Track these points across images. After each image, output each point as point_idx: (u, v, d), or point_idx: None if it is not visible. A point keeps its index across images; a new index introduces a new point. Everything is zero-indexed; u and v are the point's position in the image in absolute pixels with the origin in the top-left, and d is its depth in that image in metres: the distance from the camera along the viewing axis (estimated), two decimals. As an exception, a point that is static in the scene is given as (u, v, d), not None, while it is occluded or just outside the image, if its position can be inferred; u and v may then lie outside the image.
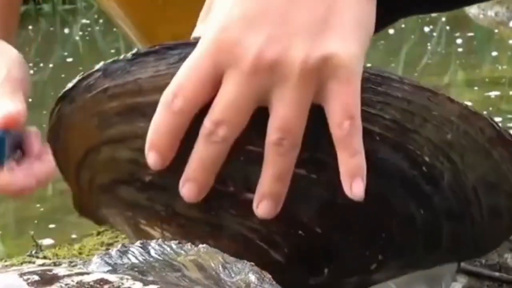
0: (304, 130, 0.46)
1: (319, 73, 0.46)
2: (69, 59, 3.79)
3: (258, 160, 0.47)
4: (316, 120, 0.47)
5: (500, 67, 3.02)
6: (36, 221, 1.29)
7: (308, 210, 0.48)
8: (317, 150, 0.47)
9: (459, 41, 3.59)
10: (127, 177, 0.51)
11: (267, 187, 0.47)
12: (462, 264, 0.89)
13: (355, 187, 0.46)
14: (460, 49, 3.43)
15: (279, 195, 0.47)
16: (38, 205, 1.36)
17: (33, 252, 0.97)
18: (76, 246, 0.99)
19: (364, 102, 0.47)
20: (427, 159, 0.48)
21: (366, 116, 0.47)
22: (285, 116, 0.46)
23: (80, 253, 0.95)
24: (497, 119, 1.81)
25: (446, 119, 0.49)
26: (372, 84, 0.48)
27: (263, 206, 0.47)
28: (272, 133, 0.46)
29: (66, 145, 0.54)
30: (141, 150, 0.48)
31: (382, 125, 0.48)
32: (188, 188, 0.48)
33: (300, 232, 0.49)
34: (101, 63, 0.50)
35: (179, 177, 0.48)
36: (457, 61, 3.22)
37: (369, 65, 0.49)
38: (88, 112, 0.51)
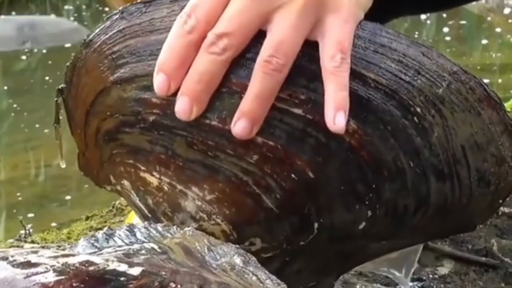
0: (295, 57, 0.47)
1: (322, 6, 0.48)
2: (59, 45, 3.77)
3: None
4: (316, 63, 0.48)
5: (494, 55, 3.03)
6: (25, 206, 1.29)
7: (302, 152, 0.49)
8: (315, 91, 0.48)
9: (448, 28, 3.59)
10: (132, 118, 0.52)
11: (246, 105, 0.47)
12: (449, 249, 0.90)
13: (338, 120, 0.47)
14: (448, 38, 3.44)
15: (257, 116, 0.48)
16: (28, 190, 1.36)
17: (22, 236, 0.98)
18: (65, 231, 0.99)
19: (361, 51, 0.48)
20: (419, 110, 0.49)
21: (362, 64, 0.48)
22: (281, 36, 0.47)
23: (68, 238, 0.95)
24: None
25: (439, 75, 0.50)
26: (370, 34, 0.49)
27: (239, 124, 0.48)
28: (265, 50, 0.47)
29: (78, 92, 0.56)
30: (148, 88, 0.50)
31: (377, 73, 0.49)
32: (181, 102, 0.48)
33: (293, 175, 0.49)
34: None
35: None
36: (447, 49, 3.22)
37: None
38: (102, 54, 0.53)
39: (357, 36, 0.49)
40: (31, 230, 1.00)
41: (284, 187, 0.49)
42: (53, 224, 1.08)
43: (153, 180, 0.52)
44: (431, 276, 0.84)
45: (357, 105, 0.48)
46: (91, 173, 0.60)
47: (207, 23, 0.48)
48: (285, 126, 0.48)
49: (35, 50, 3.44)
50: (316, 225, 0.51)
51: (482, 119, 0.51)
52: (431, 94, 0.50)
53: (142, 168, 0.52)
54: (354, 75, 0.48)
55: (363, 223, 0.51)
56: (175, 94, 0.49)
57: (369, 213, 0.51)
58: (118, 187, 0.57)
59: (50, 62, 3.18)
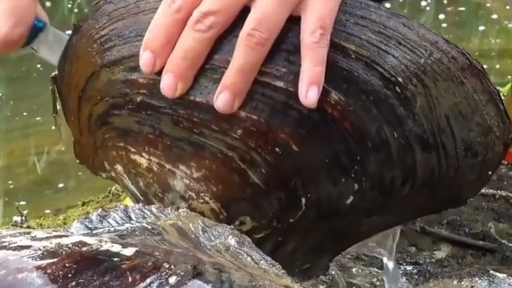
0: (278, 31, 0.48)
1: None
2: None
3: None
4: (298, 37, 0.48)
5: (493, 41, 3.02)
6: (21, 193, 1.29)
7: (285, 125, 0.49)
8: (296, 64, 0.48)
9: (445, 15, 3.58)
10: (121, 99, 0.52)
11: (229, 78, 0.48)
12: (446, 233, 0.90)
13: (310, 93, 0.47)
14: (444, 24, 3.43)
15: (240, 89, 0.48)
16: (24, 177, 1.36)
17: (18, 222, 0.97)
18: (61, 217, 0.99)
19: (341, 23, 0.49)
20: (400, 80, 0.49)
21: (343, 36, 0.48)
22: (264, 10, 0.47)
23: (64, 223, 0.95)
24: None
25: (420, 45, 0.50)
26: (350, 7, 0.49)
27: (221, 97, 0.48)
28: (248, 24, 0.47)
29: (70, 78, 0.56)
30: (135, 68, 0.50)
31: (358, 44, 0.49)
32: (166, 79, 0.49)
33: (277, 149, 0.49)
34: None
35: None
36: (445, 35, 3.21)
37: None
38: (91, 39, 0.53)
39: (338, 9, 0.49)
40: (27, 216, 1.00)
41: (269, 161, 0.49)
42: (50, 211, 1.08)
43: (143, 161, 0.52)
44: (428, 260, 0.85)
45: (339, 77, 0.48)
46: (87, 161, 0.61)
47: (193, 2, 0.48)
48: (267, 100, 0.48)
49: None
50: (303, 200, 0.51)
51: (466, 88, 0.51)
52: (412, 64, 0.49)
53: (132, 150, 0.53)
54: (335, 47, 0.48)
55: (351, 197, 0.51)
56: (161, 72, 0.49)
57: (356, 186, 0.51)
58: (113, 173, 0.57)
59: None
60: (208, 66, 0.49)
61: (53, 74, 0.59)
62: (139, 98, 0.51)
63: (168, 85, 0.49)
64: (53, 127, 0.64)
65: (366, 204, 0.52)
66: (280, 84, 0.48)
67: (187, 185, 0.51)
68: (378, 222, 0.56)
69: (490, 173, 0.55)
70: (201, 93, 0.49)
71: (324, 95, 0.48)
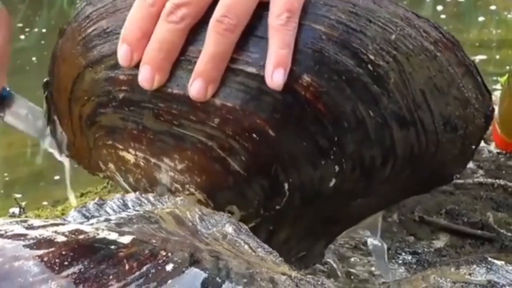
0: (248, 17, 0.48)
1: None
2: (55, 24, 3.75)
3: None
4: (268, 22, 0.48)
5: (494, 31, 3.01)
6: (19, 184, 1.29)
7: (260, 111, 0.49)
8: (267, 49, 0.48)
9: (443, 6, 3.57)
10: (105, 98, 0.53)
11: (201, 65, 0.48)
12: (444, 222, 0.90)
13: (276, 76, 0.47)
14: (443, 16, 3.42)
15: (212, 77, 0.48)
16: (23, 169, 1.36)
17: (15, 214, 0.97)
18: (59, 208, 0.99)
19: (310, 5, 0.48)
20: (372, 57, 0.49)
21: (312, 17, 0.48)
22: None
23: (62, 214, 0.95)
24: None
25: (390, 21, 0.49)
26: None
27: (194, 85, 0.48)
28: (217, 10, 0.48)
29: (59, 82, 0.57)
30: (116, 66, 0.51)
31: (327, 25, 0.48)
32: (143, 71, 0.49)
33: (254, 135, 0.49)
34: None
35: (146, 90, 0.50)
36: (444, 27, 3.21)
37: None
38: (74, 41, 0.54)
39: None
40: (25, 208, 1.00)
41: (247, 147, 0.49)
42: (48, 202, 1.08)
43: (130, 157, 0.53)
44: (426, 249, 0.85)
45: (310, 58, 0.48)
46: (84, 162, 0.62)
47: None
48: (241, 86, 0.49)
49: (35, 30, 3.42)
50: (286, 185, 0.51)
51: (440, 61, 0.51)
52: (383, 41, 0.49)
53: (120, 146, 0.54)
54: (304, 29, 0.48)
55: (333, 180, 0.52)
56: (139, 66, 0.49)
57: (336, 168, 0.51)
58: (108, 173, 0.58)
59: (44, 42, 3.16)
60: (183, 57, 0.49)
61: (45, 80, 0.60)
62: (121, 95, 0.52)
63: (145, 77, 0.49)
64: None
65: (349, 185, 0.52)
66: (252, 70, 0.48)
67: (173, 178, 0.51)
68: (365, 204, 0.56)
69: (473, 147, 0.55)
70: (178, 85, 0.49)
71: (296, 77, 0.48)
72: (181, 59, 0.49)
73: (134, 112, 0.51)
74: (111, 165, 0.55)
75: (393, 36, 0.49)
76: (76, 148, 0.61)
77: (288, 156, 0.50)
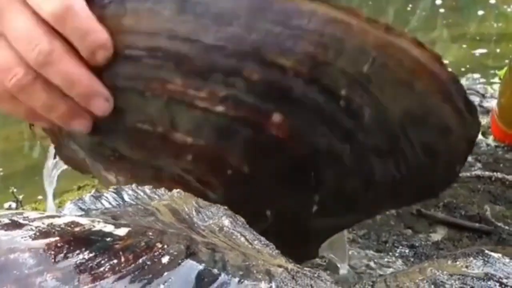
0: None
1: None
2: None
3: (182, 99, 0.47)
4: (230, 57, 0.47)
5: (495, 25, 3.01)
6: (17, 178, 1.29)
7: (232, 148, 0.48)
8: (234, 86, 0.47)
9: (441, 1, 3.57)
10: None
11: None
12: (442, 215, 0.90)
13: None
14: (442, 10, 3.41)
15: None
16: (20, 162, 1.36)
17: (13, 207, 0.97)
18: (56, 201, 0.99)
19: (276, 37, 0.46)
20: (343, 92, 0.47)
21: (278, 51, 0.46)
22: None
23: (59, 207, 0.95)
24: (477, 75, 1.79)
25: (362, 51, 0.46)
26: (284, 16, 0.46)
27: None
28: None
29: None
30: None
31: (295, 59, 0.46)
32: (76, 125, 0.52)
33: (229, 171, 0.49)
34: None
35: (117, 119, 0.50)
36: (443, 20, 3.20)
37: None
38: None
39: (271, 21, 0.46)
40: (22, 201, 1.00)
41: (224, 182, 0.49)
42: (43, 196, 1.08)
43: (112, 179, 0.52)
44: (424, 242, 0.84)
45: (280, 96, 0.46)
46: (74, 165, 0.61)
47: None
48: (211, 125, 0.47)
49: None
50: (268, 213, 0.51)
51: (416, 90, 0.48)
52: (355, 73, 0.46)
53: (102, 167, 0.54)
54: (272, 65, 0.46)
55: (315, 207, 0.51)
56: None
57: (317, 197, 0.50)
58: (99, 179, 0.58)
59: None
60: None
61: None
62: (95, 122, 0.52)
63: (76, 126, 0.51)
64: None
65: (332, 208, 0.52)
66: (221, 109, 0.47)
67: None
68: (353, 216, 0.56)
69: (457, 168, 0.54)
70: (146, 120, 0.49)
71: (267, 116, 0.47)
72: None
73: (110, 139, 0.51)
74: (96, 180, 0.56)
75: (365, 68, 0.47)
76: (61, 151, 0.60)
77: (266, 190, 0.49)
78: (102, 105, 0.50)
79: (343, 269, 0.67)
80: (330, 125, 0.48)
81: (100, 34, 0.49)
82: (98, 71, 0.49)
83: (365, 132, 0.48)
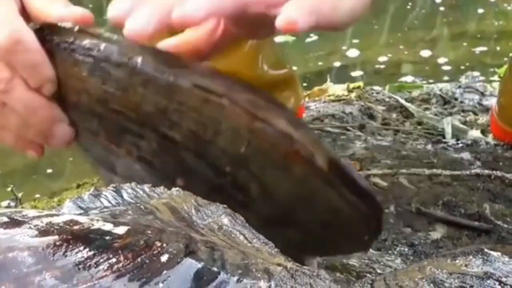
0: None
1: None
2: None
3: (111, 150, 0.51)
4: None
5: (496, 23, 3.01)
6: (15, 176, 1.28)
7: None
8: (143, 151, 0.50)
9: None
10: None
11: None
12: (441, 214, 0.90)
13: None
14: (442, 8, 3.41)
15: None
16: (18, 160, 1.35)
17: (12, 205, 0.97)
18: (56, 199, 0.98)
19: (164, 110, 0.48)
20: (228, 169, 0.48)
21: (168, 124, 0.48)
22: None
23: (59, 205, 0.94)
24: (476, 73, 1.79)
25: (236, 133, 0.47)
26: (169, 92, 0.47)
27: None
28: None
29: None
30: None
31: (182, 135, 0.48)
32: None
33: None
34: None
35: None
36: (444, 18, 3.20)
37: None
38: None
39: (159, 93, 0.48)
40: (21, 199, 1.00)
41: None
42: (40, 195, 1.08)
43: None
44: (423, 241, 0.84)
45: (177, 165, 0.49)
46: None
47: None
48: (137, 174, 0.51)
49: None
50: None
51: (295, 174, 0.48)
52: (235, 153, 0.47)
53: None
54: (166, 136, 0.48)
55: None
56: None
57: None
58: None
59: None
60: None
61: None
62: None
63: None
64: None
65: None
66: (138, 166, 0.51)
67: None
68: None
69: (366, 238, 0.54)
70: None
71: (173, 180, 0.49)
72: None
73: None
74: (96, 178, 0.59)
75: (242, 149, 0.47)
76: None
77: None
78: (65, 129, 0.53)
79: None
80: (223, 195, 0.48)
81: (46, 69, 0.51)
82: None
83: (256, 204, 0.49)
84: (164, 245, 0.35)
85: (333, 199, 0.50)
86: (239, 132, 0.47)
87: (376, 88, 1.46)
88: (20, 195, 1.01)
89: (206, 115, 0.47)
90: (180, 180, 0.48)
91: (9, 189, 1.03)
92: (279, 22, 0.47)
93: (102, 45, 0.48)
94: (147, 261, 0.33)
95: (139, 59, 0.47)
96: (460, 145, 1.16)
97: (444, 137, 1.20)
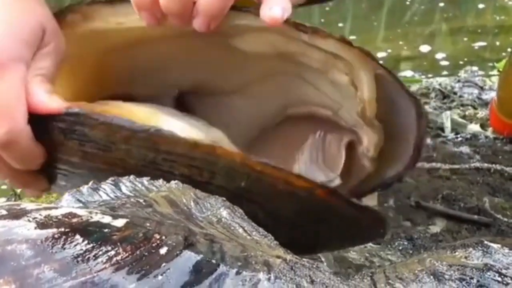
0: None
1: None
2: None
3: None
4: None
5: (498, 17, 3.01)
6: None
7: None
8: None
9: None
10: None
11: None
12: (441, 208, 0.90)
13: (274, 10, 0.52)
14: (441, 4, 3.41)
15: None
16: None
17: (11, 199, 0.97)
18: (55, 194, 0.98)
19: (153, 162, 0.49)
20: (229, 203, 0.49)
21: (157, 174, 0.48)
22: None
23: (57, 199, 0.94)
24: (475, 68, 1.79)
25: (233, 170, 0.49)
26: (153, 144, 0.49)
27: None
28: None
29: None
30: None
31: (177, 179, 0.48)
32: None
33: None
34: None
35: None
36: (443, 14, 3.20)
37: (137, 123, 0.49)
38: None
39: (143, 147, 0.49)
40: (20, 195, 1.00)
41: None
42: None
43: None
44: (422, 234, 0.84)
45: None
46: None
47: None
48: None
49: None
50: None
51: (300, 197, 0.50)
52: (235, 188, 0.49)
53: None
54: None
55: None
56: None
57: None
58: None
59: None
60: None
61: None
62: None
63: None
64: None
65: None
66: None
67: None
68: None
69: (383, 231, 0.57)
70: None
71: None
72: None
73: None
74: None
75: (243, 184, 0.49)
76: None
77: None
78: (44, 186, 0.61)
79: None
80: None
81: (36, 162, 0.56)
82: None
83: (265, 226, 0.50)
84: (163, 237, 0.35)
85: (337, 225, 0.53)
86: (236, 170, 0.48)
87: (376, 83, 1.46)
88: (19, 191, 1.01)
89: (198, 158, 0.48)
90: None
91: (5, 187, 1.04)
92: (263, 17, 0.51)
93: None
94: (146, 253, 0.33)
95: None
96: (460, 139, 1.16)
97: (443, 131, 1.20)
